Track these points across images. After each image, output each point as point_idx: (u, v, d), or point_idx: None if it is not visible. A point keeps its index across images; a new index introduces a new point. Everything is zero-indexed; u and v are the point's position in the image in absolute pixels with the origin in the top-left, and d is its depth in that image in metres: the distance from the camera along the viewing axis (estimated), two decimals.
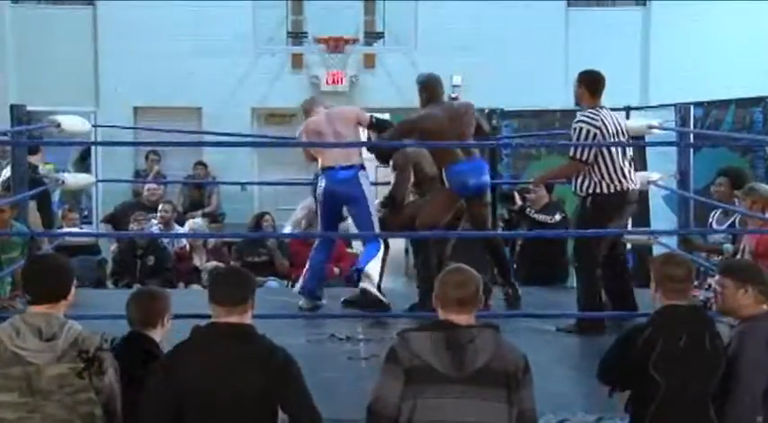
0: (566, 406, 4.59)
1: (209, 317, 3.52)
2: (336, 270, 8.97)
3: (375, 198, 7.00)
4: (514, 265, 7.81)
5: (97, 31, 12.63)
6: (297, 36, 12.59)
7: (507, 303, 6.80)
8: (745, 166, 8.24)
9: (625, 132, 6.28)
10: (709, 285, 5.90)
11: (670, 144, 7.34)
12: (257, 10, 12.32)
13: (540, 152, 9.74)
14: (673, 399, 3.64)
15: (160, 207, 9.69)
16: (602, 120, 6.04)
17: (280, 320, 5.91)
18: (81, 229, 10.05)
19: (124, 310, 3.91)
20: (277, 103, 12.74)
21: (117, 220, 10.13)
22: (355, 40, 12.29)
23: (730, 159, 8.26)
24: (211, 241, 9.92)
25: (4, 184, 7.68)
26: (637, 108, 9.58)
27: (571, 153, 6.09)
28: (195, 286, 9.11)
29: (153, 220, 9.56)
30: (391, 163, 7.06)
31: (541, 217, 7.94)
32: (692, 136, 7.20)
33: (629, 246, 7.41)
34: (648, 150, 8.25)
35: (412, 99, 7.25)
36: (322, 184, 6.74)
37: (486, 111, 9.11)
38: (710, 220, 7.13)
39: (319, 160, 6.79)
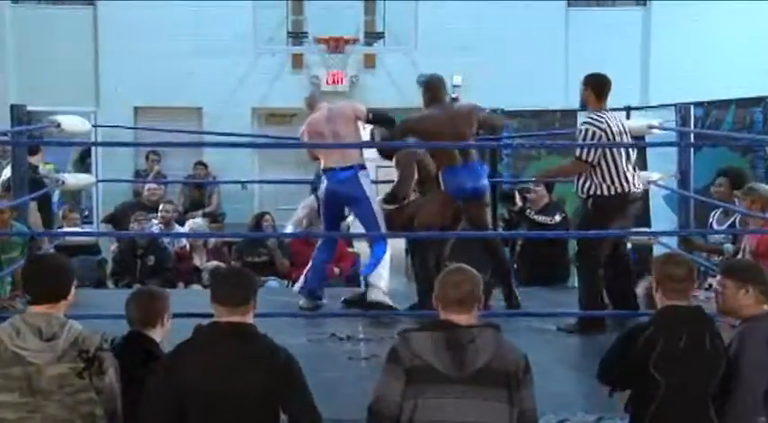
0: (566, 406, 4.59)
1: (210, 317, 3.52)
2: (337, 270, 8.97)
3: (377, 196, 7.01)
4: (515, 266, 7.81)
5: (97, 31, 12.64)
6: (297, 36, 12.59)
7: (508, 307, 6.80)
8: (746, 166, 8.23)
9: (628, 135, 6.31)
10: (710, 285, 5.91)
11: (670, 144, 7.34)
12: (257, 10, 12.32)
13: (539, 153, 9.75)
14: (673, 398, 3.63)
15: (161, 207, 9.69)
16: (607, 122, 6.09)
17: (280, 320, 5.91)
18: (81, 228, 10.04)
19: (124, 310, 3.91)
20: (277, 103, 12.74)
21: (117, 220, 10.13)
22: (355, 40, 12.29)
23: (730, 159, 8.26)
24: (212, 241, 9.92)
25: (4, 184, 7.67)
26: (637, 108, 9.58)
27: (577, 153, 6.11)
28: (195, 286, 9.11)
29: (153, 221, 9.56)
30: (394, 160, 7.07)
31: (541, 218, 7.93)
32: (692, 136, 7.21)
33: (629, 245, 7.41)
34: (649, 150, 8.25)
35: (412, 99, 7.26)
36: (324, 184, 6.77)
37: (487, 111, 9.10)
38: (711, 220, 7.13)
39: (321, 161, 6.82)
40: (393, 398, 3.36)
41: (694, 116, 7.38)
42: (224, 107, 12.40)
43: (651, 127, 7.17)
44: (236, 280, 3.59)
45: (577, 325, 6.16)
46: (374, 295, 6.61)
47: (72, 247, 7.78)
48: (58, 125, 6.47)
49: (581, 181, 6.13)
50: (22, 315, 3.47)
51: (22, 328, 3.39)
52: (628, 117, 8.21)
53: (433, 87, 6.74)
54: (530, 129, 9.69)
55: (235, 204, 11.82)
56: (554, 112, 10.24)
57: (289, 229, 9.69)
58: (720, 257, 6.66)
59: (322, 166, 6.83)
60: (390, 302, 6.60)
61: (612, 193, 6.07)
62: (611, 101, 6.29)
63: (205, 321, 3.53)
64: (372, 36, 12.51)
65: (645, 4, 13.16)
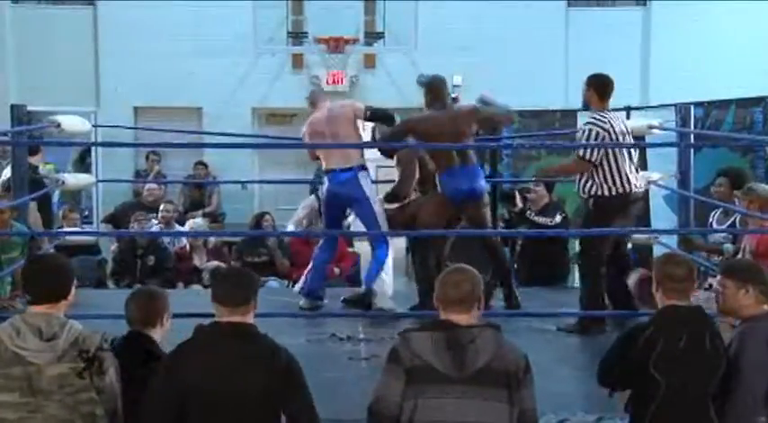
0: (566, 406, 4.60)
1: (210, 317, 3.52)
2: (337, 270, 8.97)
3: (378, 196, 7.01)
4: (515, 266, 7.81)
5: (97, 31, 12.65)
6: (297, 36, 12.60)
7: (508, 307, 6.80)
8: (746, 166, 8.23)
9: (630, 136, 6.32)
10: (710, 285, 5.90)
11: (670, 144, 7.34)
12: (257, 10, 12.32)
13: (540, 153, 9.74)
14: (673, 398, 3.63)
15: (162, 207, 9.69)
16: (610, 122, 6.10)
17: (280, 320, 5.92)
18: (81, 228, 10.04)
19: (124, 310, 3.91)
20: (277, 103, 12.75)
21: (117, 220, 10.13)
22: (355, 40, 12.29)
23: (731, 159, 8.25)
24: (212, 241, 9.92)
25: (4, 184, 7.67)
26: (637, 108, 9.57)
27: (580, 153, 6.12)
28: (195, 286, 9.11)
29: (153, 220, 9.56)
30: (395, 158, 7.07)
31: (541, 219, 7.93)
32: (692, 136, 7.20)
33: (629, 245, 7.41)
34: (649, 150, 8.24)
35: (412, 99, 7.27)
36: (325, 185, 6.81)
37: (500, 103, 9.10)
38: (711, 220, 7.13)
39: (322, 161, 6.84)
40: (393, 398, 3.36)
41: (694, 116, 7.37)
42: (224, 107, 12.41)
43: (651, 127, 7.17)
44: (237, 280, 3.58)
45: (578, 325, 6.16)
46: (381, 303, 6.63)
47: (72, 247, 7.77)
48: (58, 125, 6.46)
49: (582, 181, 6.14)
50: (23, 315, 3.47)
51: (23, 328, 3.39)
52: (628, 117, 8.20)
53: (435, 88, 6.77)
54: (530, 129, 9.68)
55: (235, 204, 11.83)
56: (554, 112, 10.23)
57: (289, 229, 9.70)
58: (720, 257, 6.66)
59: (324, 167, 6.85)
60: (396, 309, 6.62)
61: (614, 193, 6.07)
62: (612, 101, 6.30)
63: (205, 321, 3.53)
64: (372, 36, 12.52)
65: (645, 4, 13.17)
